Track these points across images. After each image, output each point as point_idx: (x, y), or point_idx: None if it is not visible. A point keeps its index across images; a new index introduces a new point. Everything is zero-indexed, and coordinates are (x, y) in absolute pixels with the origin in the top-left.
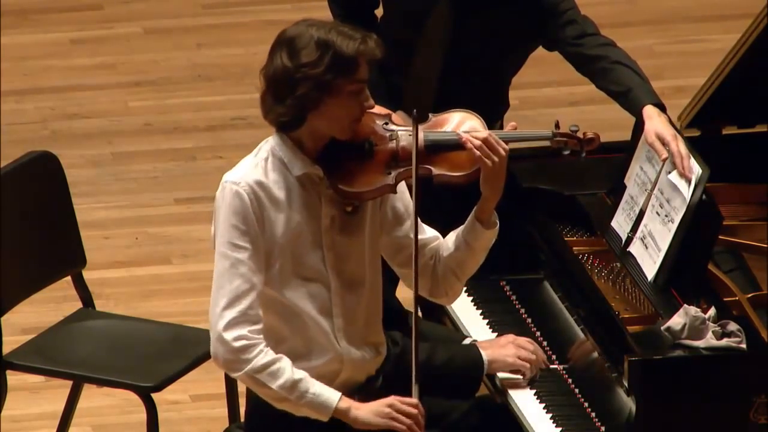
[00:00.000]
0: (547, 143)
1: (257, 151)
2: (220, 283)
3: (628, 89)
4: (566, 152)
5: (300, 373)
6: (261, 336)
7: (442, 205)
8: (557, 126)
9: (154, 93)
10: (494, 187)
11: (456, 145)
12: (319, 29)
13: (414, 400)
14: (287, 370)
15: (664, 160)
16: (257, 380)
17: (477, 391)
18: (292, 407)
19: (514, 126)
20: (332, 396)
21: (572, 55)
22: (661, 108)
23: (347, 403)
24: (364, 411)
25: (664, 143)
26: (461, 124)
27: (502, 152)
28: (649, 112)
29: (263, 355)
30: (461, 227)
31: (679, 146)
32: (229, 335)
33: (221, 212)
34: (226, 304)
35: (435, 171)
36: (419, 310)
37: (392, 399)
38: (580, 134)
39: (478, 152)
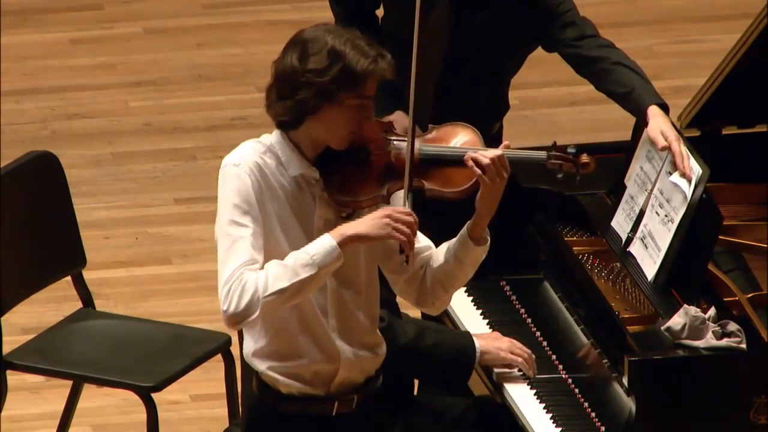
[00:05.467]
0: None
1: (256, 143)
2: (223, 261)
3: (630, 90)
4: (560, 176)
5: (287, 258)
6: (242, 269)
7: (436, 217)
8: (554, 147)
9: (154, 93)
10: (491, 206)
11: (452, 161)
12: (335, 38)
13: (407, 209)
14: (278, 267)
15: (664, 149)
16: (274, 293)
17: (468, 379)
18: (314, 280)
19: (507, 145)
20: (324, 239)
21: (571, 56)
22: (665, 109)
23: (338, 230)
24: (360, 226)
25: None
26: (460, 138)
27: (505, 174)
28: (654, 111)
29: (258, 279)
30: (453, 240)
31: (681, 147)
32: (227, 301)
33: (222, 193)
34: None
35: (427, 185)
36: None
37: (387, 209)
38: (576, 157)
39: (478, 171)
